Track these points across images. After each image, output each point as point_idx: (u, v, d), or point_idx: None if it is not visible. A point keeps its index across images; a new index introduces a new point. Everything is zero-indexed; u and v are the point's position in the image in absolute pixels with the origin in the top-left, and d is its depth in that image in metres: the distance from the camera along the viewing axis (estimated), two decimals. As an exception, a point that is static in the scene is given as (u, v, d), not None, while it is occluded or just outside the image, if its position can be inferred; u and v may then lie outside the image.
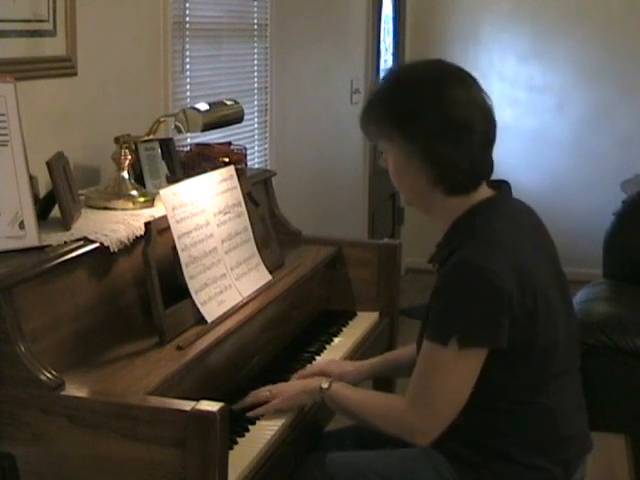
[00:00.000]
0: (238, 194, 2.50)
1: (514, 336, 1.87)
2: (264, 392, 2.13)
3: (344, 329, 2.74)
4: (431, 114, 1.89)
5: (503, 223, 1.95)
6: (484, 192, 1.99)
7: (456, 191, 1.95)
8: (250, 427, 2.04)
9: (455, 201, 1.97)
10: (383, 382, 2.79)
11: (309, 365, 2.41)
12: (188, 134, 3.12)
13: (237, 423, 2.00)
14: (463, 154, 1.90)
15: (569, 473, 1.99)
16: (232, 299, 2.30)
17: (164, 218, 2.16)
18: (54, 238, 2.00)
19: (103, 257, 2.05)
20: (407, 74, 2.01)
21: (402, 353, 2.36)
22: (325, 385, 2.09)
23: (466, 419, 1.93)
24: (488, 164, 1.98)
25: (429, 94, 1.90)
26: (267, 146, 4.23)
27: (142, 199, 2.43)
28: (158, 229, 2.13)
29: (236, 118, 2.81)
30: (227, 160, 2.87)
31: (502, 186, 2.03)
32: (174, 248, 2.16)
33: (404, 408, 1.94)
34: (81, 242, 2.01)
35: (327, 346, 2.59)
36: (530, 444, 1.96)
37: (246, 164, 3.08)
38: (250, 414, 2.09)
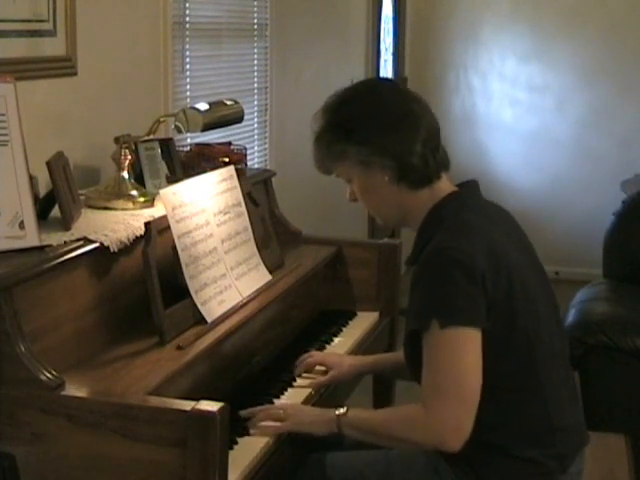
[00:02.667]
0: (238, 194, 2.50)
1: (495, 317, 1.89)
2: (277, 411, 2.07)
3: (344, 329, 2.74)
4: (371, 113, 1.99)
5: (471, 214, 2.00)
6: (449, 188, 2.05)
7: (419, 182, 2.00)
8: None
9: (421, 195, 2.01)
10: (383, 385, 2.80)
11: (306, 355, 2.41)
12: (188, 134, 3.12)
13: (237, 423, 2.00)
14: (414, 139, 1.97)
15: (564, 466, 1.99)
16: (232, 299, 2.30)
17: (164, 218, 2.16)
18: (54, 238, 2.00)
19: (103, 257, 2.05)
20: (340, 93, 2.11)
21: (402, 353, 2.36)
22: (342, 411, 2.02)
23: None
24: (441, 152, 2.04)
25: (366, 98, 2.03)
26: (267, 146, 4.23)
27: (142, 199, 2.43)
28: (158, 229, 2.13)
29: (236, 118, 2.81)
30: (227, 160, 2.87)
31: (468, 183, 2.08)
32: (174, 248, 2.16)
33: (427, 411, 1.88)
34: (81, 242, 2.01)
35: (327, 346, 2.60)
36: (524, 436, 1.95)
37: (246, 164, 3.08)
38: (254, 433, 2.01)
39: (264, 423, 2.03)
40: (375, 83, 2.05)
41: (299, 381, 2.33)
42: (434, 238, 1.95)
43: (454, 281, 1.86)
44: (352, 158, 2.01)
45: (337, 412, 2.02)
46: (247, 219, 2.51)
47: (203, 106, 2.55)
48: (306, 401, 2.24)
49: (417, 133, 1.98)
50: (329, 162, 2.07)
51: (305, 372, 2.36)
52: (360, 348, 2.65)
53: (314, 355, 2.42)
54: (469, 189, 2.07)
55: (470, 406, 1.87)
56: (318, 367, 2.38)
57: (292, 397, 2.24)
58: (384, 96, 2.04)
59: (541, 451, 1.95)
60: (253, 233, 2.51)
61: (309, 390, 2.28)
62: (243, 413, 2.06)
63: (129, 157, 2.48)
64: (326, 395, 2.33)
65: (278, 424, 2.03)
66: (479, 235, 1.94)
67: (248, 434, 2.01)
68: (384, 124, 1.98)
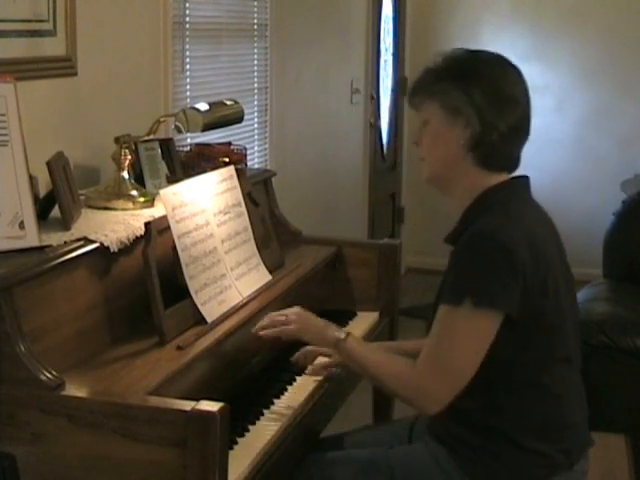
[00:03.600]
0: (238, 194, 2.50)
1: (525, 308, 1.91)
2: (281, 317, 2.17)
3: (344, 329, 2.74)
4: (487, 77, 2.02)
5: (519, 205, 2.03)
6: (504, 179, 2.07)
7: (486, 161, 2.02)
8: (250, 427, 2.04)
9: (480, 176, 2.03)
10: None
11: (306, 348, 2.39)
12: (188, 134, 3.12)
13: (237, 423, 2.00)
14: (505, 121, 1.99)
15: (571, 462, 2.01)
16: (232, 299, 2.30)
17: (164, 218, 2.16)
18: (54, 238, 2.00)
19: (103, 257, 2.05)
20: (473, 50, 2.13)
21: (404, 344, 2.37)
22: (342, 335, 2.09)
23: (472, 399, 1.94)
24: (516, 152, 2.06)
25: (487, 63, 2.06)
26: (267, 146, 4.23)
27: (142, 199, 2.43)
28: (158, 229, 2.14)
29: (236, 118, 2.81)
30: (227, 160, 2.87)
31: (521, 177, 2.10)
32: (174, 248, 2.16)
33: (418, 372, 1.95)
34: (81, 242, 2.01)
35: (327, 346, 2.59)
36: (535, 429, 1.97)
37: (246, 164, 3.08)
38: (260, 333, 2.16)
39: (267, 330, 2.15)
40: (503, 61, 2.09)
41: (301, 379, 2.33)
42: (478, 221, 1.97)
43: (494, 265, 1.89)
44: (447, 101, 2.01)
45: (338, 335, 2.10)
46: (247, 219, 2.51)
47: (203, 106, 2.55)
48: (310, 396, 2.25)
49: (511, 117, 2.00)
50: (425, 95, 2.07)
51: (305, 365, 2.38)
52: (360, 348, 2.64)
53: (309, 348, 2.37)
54: (520, 182, 2.09)
55: (457, 385, 1.92)
56: (318, 361, 2.38)
57: (292, 397, 2.24)
58: (504, 74, 2.06)
59: (550, 445, 1.98)
60: (253, 233, 2.51)
61: (309, 390, 2.28)
62: (254, 330, 2.19)
63: (129, 157, 2.48)
64: (331, 389, 2.35)
65: (279, 328, 2.14)
66: (524, 226, 1.96)
67: (248, 431, 2.01)
68: (493, 87, 2.00)
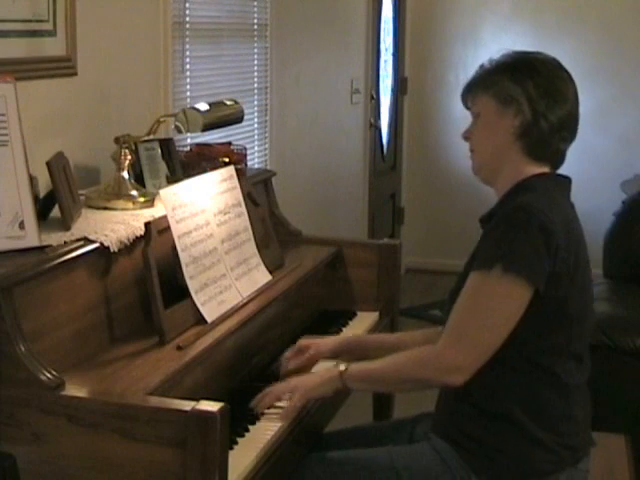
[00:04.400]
0: (238, 194, 2.50)
1: (551, 291, 1.93)
2: (282, 390, 2.12)
3: (344, 329, 2.74)
4: (541, 71, 2.09)
5: (558, 194, 2.06)
6: (548, 171, 2.10)
7: (535, 150, 2.06)
8: (250, 427, 2.04)
9: (525, 164, 2.06)
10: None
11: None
12: (188, 134, 3.12)
13: (237, 423, 2.00)
14: (556, 113, 2.05)
15: (576, 459, 2.02)
16: (232, 299, 2.30)
17: (164, 218, 2.16)
18: (54, 238, 2.00)
19: (103, 257, 2.05)
20: (534, 52, 2.20)
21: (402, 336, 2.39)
22: (342, 367, 2.08)
23: (482, 380, 1.95)
24: (563, 148, 2.10)
25: (542, 61, 2.14)
26: (267, 146, 4.23)
27: (142, 199, 2.43)
28: (158, 229, 2.14)
29: (236, 118, 2.81)
30: (227, 160, 2.87)
31: (563, 175, 2.14)
32: (174, 248, 2.16)
33: (440, 347, 1.95)
34: (81, 242, 2.01)
35: (327, 346, 2.59)
36: (542, 417, 1.98)
37: (246, 164, 3.08)
38: (281, 415, 2.07)
39: (274, 410, 2.09)
40: (558, 63, 2.17)
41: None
42: (518, 199, 2.00)
43: (530, 237, 1.91)
44: (500, 91, 2.06)
45: (339, 369, 2.08)
46: (247, 219, 2.51)
47: (203, 106, 2.55)
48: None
49: (560, 111, 2.05)
50: (479, 89, 2.11)
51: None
52: (360, 348, 2.65)
53: (288, 355, 2.37)
54: (564, 180, 2.13)
55: (483, 354, 1.93)
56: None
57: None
58: (560, 71, 2.13)
59: (555, 437, 1.99)
60: (253, 233, 2.51)
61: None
62: (253, 404, 2.10)
63: (129, 157, 2.48)
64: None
65: (291, 404, 2.08)
66: (563, 214, 2.00)
67: (248, 431, 2.02)
68: (545, 82, 2.06)
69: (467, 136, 2.15)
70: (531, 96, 2.03)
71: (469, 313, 1.95)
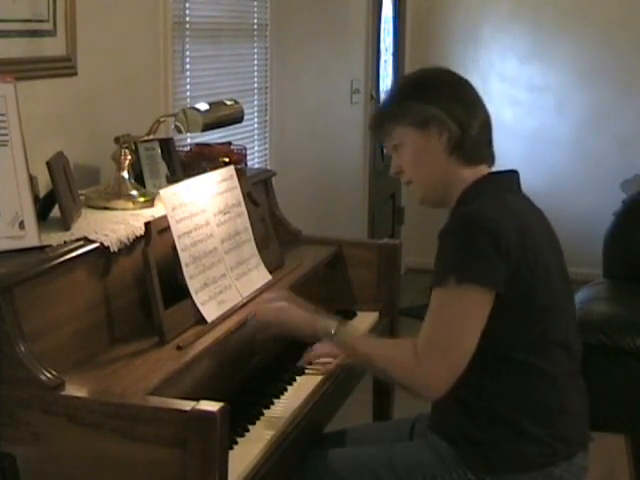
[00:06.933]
0: (238, 194, 2.50)
1: (514, 287, 1.93)
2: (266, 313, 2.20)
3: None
4: (446, 85, 2.10)
5: (507, 194, 2.06)
6: (487, 172, 2.11)
7: (471, 157, 2.06)
8: (250, 427, 2.04)
9: (467, 173, 2.07)
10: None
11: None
12: (188, 134, 3.12)
13: (237, 423, 2.00)
14: (476, 117, 2.07)
15: (570, 452, 2.02)
16: (232, 299, 2.30)
17: (164, 218, 2.16)
18: (54, 238, 2.00)
19: (103, 257, 2.05)
20: (420, 69, 2.21)
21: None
22: (332, 331, 2.10)
23: (470, 384, 1.96)
24: (491, 146, 2.12)
25: (440, 75, 2.15)
26: (267, 146, 4.23)
27: (142, 199, 2.43)
28: (158, 229, 2.14)
29: (236, 118, 2.81)
30: (227, 160, 2.87)
31: (510, 170, 2.14)
32: (174, 248, 2.16)
33: (415, 360, 1.95)
34: (81, 242, 2.01)
35: (327, 346, 2.59)
36: (531, 412, 1.99)
37: (246, 164, 3.08)
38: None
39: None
40: (453, 71, 2.17)
41: (301, 379, 2.34)
42: (464, 207, 2.02)
43: (477, 243, 1.92)
44: (415, 117, 2.05)
45: (328, 329, 2.11)
46: (247, 219, 2.51)
47: (203, 106, 2.55)
48: (310, 396, 2.25)
49: (477, 114, 2.07)
50: (391, 121, 2.10)
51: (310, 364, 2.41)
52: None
53: (315, 348, 2.42)
54: (508, 175, 2.13)
55: (457, 365, 1.92)
56: (323, 359, 2.40)
57: (292, 397, 2.24)
58: (460, 79, 2.14)
59: (547, 431, 1.99)
60: (253, 233, 2.51)
61: (309, 390, 2.28)
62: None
63: (129, 157, 2.48)
64: (338, 382, 2.37)
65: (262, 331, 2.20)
66: (509, 212, 1.99)
67: (248, 431, 2.02)
68: (454, 94, 2.08)
69: (398, 171, 2.14)
70: (449, 109, 2.04)
71: (435, 327, 1.95)
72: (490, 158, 2.12)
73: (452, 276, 1.91)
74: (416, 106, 2.05)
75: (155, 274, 2.06)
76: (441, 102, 2.04)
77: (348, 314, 2.85)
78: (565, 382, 2.03)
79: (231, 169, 2.54)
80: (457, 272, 1.91)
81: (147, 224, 2.12)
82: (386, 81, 6.21)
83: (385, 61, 6.20)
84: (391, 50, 6.31)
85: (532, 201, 2.14)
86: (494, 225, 1.92)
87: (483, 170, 2.09)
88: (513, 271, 1.92)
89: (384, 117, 2.13)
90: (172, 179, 2.67)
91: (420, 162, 2.09)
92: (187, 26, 3.44)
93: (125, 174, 2.46)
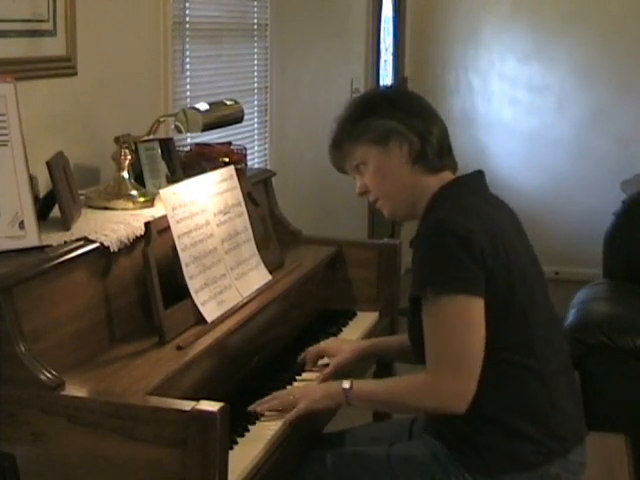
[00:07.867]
0: (238, 194, 2.51)
1: (494, 289, 1.94)
2: (288, 397, 2.11)
3: (344, 329, 2.74)
4: (397, 97, 2.15)
5: (474, 197, 2.07)
6: (452, 177, 2.12)
7: (434, 165, 2.07)
8: (250, 427, 2.04)
9: (432, 181, 2.08)
10: (384, 366, 2.78)
11: (309, 348, 2.43)
12: (188, 134, 3.12)
13: (237, 423, 2.00)
14: (433, 125, 2.09)
15: (565, 449, 2.02)
16: (232, 299, 2.30)
17: (164, 218, 2.16)
18: (54, 238, 2.00)
19: (103, 257, 2.05)
20: (365, 92, 2.30)
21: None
22: (347, 385, 2.07)
23: None
24: (451, 151, 2.13)
25: (390, 91, 2.23)
26: (267, 146, 4.24)
27: (142, 199, 2.43)
28: (158, 229, 2.14)
29: (236, 118, 2.81)
30: (227, 160, 2.87)
31: (475, 172, 2.15)
32: (174, 248, 2.16)
33: (430, 379, 1.96)
34: (81, 242, 2.01)
35: (327, 346, 2.59)
36: (523, 411, 1.99)
37: (246, 164, 3.08)
38: (283, 419, 2.06)
39: (274, 413, 2.07)
40: (401, 86, 2.20)
41: (304, 376, 2.34)
42: (432, 216, 2.02)
43: (449, 251, 1.92)
44: (373, 133, 2.06)
45: (343, 386, 2.07)
46: (247, 219, 2.51)
47: (203, 106, 2.55)
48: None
49: (435, 123, 2.10)
50: (349, 142, 2.10)
51: (308, 367, 2.39)
52: (360, 348, 2.64)
53: (311, 349, 2.42)
54: (475, 176, 2.14)
55: (470, 372, 1.93)
56: (321, 361, 2.40)
57: (292, 397, 2.24)
58: (409, 92, 2.21)
59: (541, 428, 1.99)
60: (253, 233, 2.51)
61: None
62: (252, 408, 2.08)
63: (129, 157, 2.48)
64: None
65: (292, 414, 2.06)
66: (479, 215, 2.00)
67: (248, 431, 2.01)
68: (408, 106, 2.10)
69: (363, 191, 2.14)
70: (407, 122, 2.05)
71: (438, 347, 1.95)
72: (453, 165, 2.13)
73: (428, 288, 1.94)
74: (373, 123, 2.06)
75: (155, 274, 2.06)
76: (398, 115, 2.05)
77: (348, 314, 2.85)
78: (554, 378, 2.03)
79: (231, 169, 2.54)
80: (432, 283, 1.93)
81: (147, 224, 2.12)
82: (386, 81, 6.21)
83: (385, 61, 6.20)
84: (391, 50, 6.30)
85: (499, 198, 2.15)
86: (463, 230, 1.93)
87: (447, 176, 2.10)
88: (490, 273, 1.93)
89: (342, 139, 2.12)
90: (172, 179, 2.67)
91: (384, 178, 2.10)
92: (187, 26, 3.44)
93: (125, 174, 2.46)
